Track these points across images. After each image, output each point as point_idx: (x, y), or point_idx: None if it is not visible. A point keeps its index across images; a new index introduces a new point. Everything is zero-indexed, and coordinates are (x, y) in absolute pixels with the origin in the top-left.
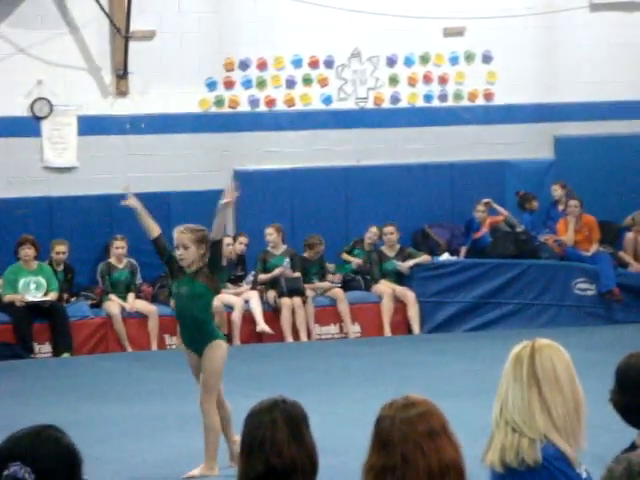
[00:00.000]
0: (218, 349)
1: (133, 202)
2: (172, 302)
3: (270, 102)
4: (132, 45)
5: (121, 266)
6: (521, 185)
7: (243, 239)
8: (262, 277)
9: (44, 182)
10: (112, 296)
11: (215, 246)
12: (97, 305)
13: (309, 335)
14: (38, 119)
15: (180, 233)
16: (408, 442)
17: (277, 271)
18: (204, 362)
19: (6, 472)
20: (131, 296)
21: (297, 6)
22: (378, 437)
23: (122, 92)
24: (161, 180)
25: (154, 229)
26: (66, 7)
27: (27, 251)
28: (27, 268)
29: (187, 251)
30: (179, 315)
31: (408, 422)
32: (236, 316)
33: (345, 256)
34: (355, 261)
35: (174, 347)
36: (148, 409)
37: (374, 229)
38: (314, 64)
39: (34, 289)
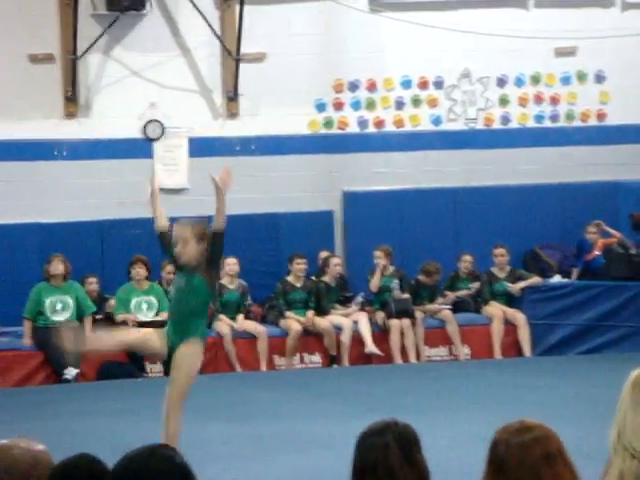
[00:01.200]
0: (198, 347)
1: (157, 185)
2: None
3: (379, 123)
4: (243, 67)
5: (232, 287)
6: (634, 207)
7: (337, 260)
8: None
9: None
10: (222, 316)
11: (216, 238)
12: (207, 325)
13: (418, 357)
14: (150, 141)
15: (180, 227)
16: (524, 467)
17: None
18: (179, 358)
19: None
20: (241, 317)
21: (407, 27)
22: (493, 461)
23: (232, 114)
24: (270, 201)
25: (164, 222)
26: (179, 31)
27: (139, 270)
28: (139, 288)
29: (186, 246)
30: (173, 307)
31: (524, 447)
32: (345, 337)
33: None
34: (463, 294)
35: (283, 368)
36: (258, 429)
37: (467, 257)
38: (424, 85)
39: (146, 309)
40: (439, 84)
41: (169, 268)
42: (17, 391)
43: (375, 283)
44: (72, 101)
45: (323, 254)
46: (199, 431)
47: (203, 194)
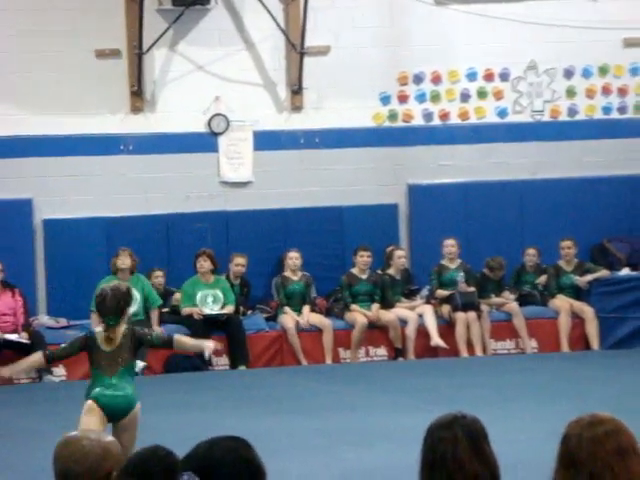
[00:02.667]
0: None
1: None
2: None
3: (444, 115)
4: (307, 60)
5: (296, 279)
6: None
7: (401, 252)
8: (439, 292)
9: (220, 197)
10: (287, 309)
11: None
12: (272, 318)
13: (484, 350)
14: (215, 135)
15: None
16: (596, 461)
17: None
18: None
19: None
20: (306, 309)
21: (472, 19)
22: (565, 455)
23: (297, 107)
24: (334, 194)
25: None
26: (243, 25)
27: (203, 263)
28: (204, 281)
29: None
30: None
31: (596, 441)
32: (410, 330)
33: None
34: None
35: (348, 361)
36: (323, 422)
37: (531, 251)
38: (489, 77)
39: (211, 302)
40: (505, 76)
41: (238, 260)
42: (84, 384)
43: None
44: (138, 96)
45: (389, 248)
46: (264, 423)
47: (268, 187)
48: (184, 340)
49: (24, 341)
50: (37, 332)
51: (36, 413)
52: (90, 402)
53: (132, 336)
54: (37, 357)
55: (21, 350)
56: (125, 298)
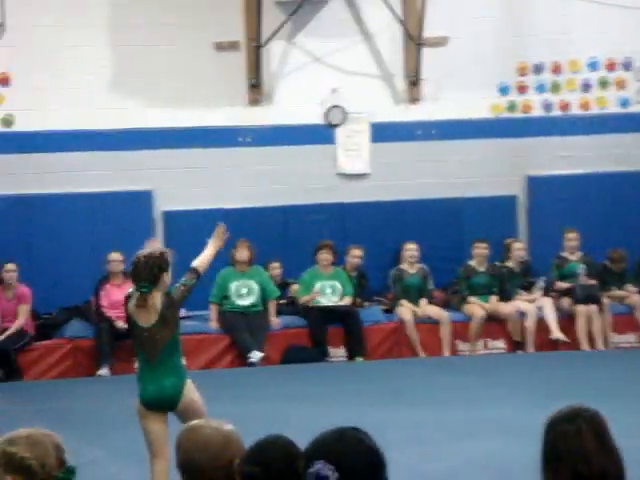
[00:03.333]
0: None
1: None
2: None
3: (564, 106)
4: (425, 51)
5: (413, 271)
6: None
7: (519, 245)
8: (559, 285)
9: (337, 188)
10: (404, 301)
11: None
12: (389, 310)
13: (605, 344)
14: (332, 127)
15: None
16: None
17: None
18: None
19: (311, 469)
20: (423, 301)
21: (593, 7)
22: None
23: (414, 99)
24: (452, 186)
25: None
26: (361, 16)
27: (326, 256)
28: (324, 272)
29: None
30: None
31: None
32: (529, 323)
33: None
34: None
35: (467, 353)
36: (440, 415)
37: None
38: (611, 66)
39: (330, 293)
40: (627, 65)
41: (355, 252)
42: (204, 374)
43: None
44: (256, 88)
45: (508, 240)
46: (381, 415)
47: (385, 179)
48: (202, 258)
49: None
50: None
51: None
52: (139, 406)
53: (169, 303)
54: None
55: None
56: (159, 263)
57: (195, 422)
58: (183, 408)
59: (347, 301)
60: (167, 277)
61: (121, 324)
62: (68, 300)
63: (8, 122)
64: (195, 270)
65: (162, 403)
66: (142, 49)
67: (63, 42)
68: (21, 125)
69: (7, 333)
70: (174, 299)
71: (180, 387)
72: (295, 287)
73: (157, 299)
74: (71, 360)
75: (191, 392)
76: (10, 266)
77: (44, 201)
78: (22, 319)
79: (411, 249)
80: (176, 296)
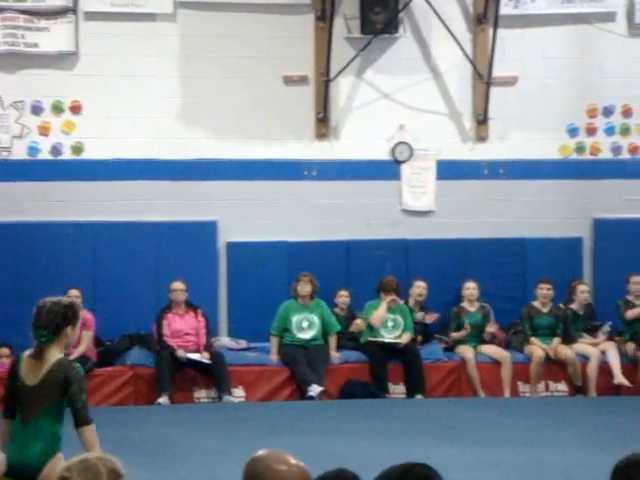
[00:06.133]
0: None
1: None
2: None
3: (634, 149)
4: (493, 90)
5: (473, 310)
6: None
7: (584, 287)
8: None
9: (402, 225)
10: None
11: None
12: (450, 349)
13: None
14: (398, 163)
15: None
16: None
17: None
18: None
19: None
20: (484, 341)
21: None
22: None
23: (482, 137)
24: (518, 226)
25: None
26: (430, 53)
27: (386, 295)
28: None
29: None
30: None
31: None
32: (592, 367)
33: None
34: None
35: (527, 395)
36: (500, 455)
37: None
38: None
39: (391, 327)
40: None
41: (419, 284)
42: (263, 405)
43: (632, 313)
44: (323, 122)
45: (573, 282)
46: (440, 453)
47: (449, 217)
48: (89, 436)
49: (205, 361)
50: (218, 353)
51: (219, 432)
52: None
53: (64, 372)
54: None
55: (202, 370)
56: (64, 312)
57: (265, 454)
58: None
59: (406, 338)
60: (72, 332)
61: (182, 353)
62: (130, 328)
63: (78, 150)
64: (83, 421)
65: (20, 468)
66: (211, 80)
67: (133, 71)
68: (91, 153)
69: (70, 359)
70: (69, 371)
71: (45, 458)
72: (358, 322)
73: (53, 356)
74: (132, 387)
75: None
76: (74, 292)
77: (109, 229)
78: (85, 345)
79: (470, 288)
80: (70, 374)
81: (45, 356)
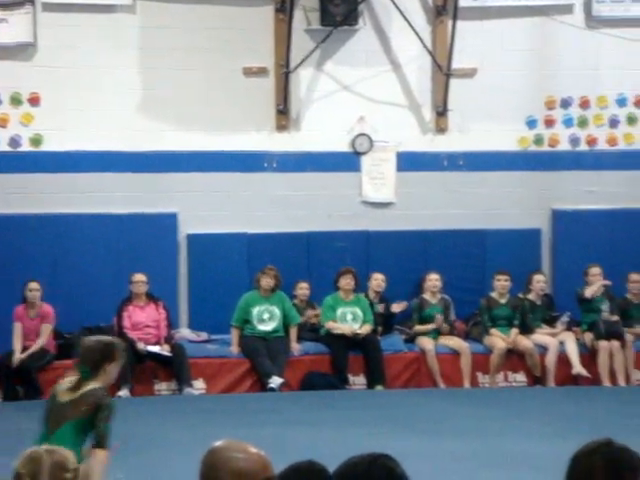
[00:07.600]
0: None
1: None
2: None
3: (592, 141)
4: (453, 82)
5: (434, 302)
6: None
7: (540, 277)
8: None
9: (362, 216)
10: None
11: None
12: (411, 340)
13: (628, 380)
14: (358, 154)
15: None
16: None
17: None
18: None
19: None
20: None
21: (624, 44)
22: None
23: (441, 129)
24: (477, 217)
25: None
26: (390, 45)
27: (349, 281)
28: (345, 299)
29: None
30: None
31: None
32: (550, 357)
33: None
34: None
35: (487, 385)
36: (459, 446)
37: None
38: (639, 103)
39: (351, 320)
40: None
41: (377, 276)
42: (224, 397)
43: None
44: (283, 114)
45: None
46: (400, 444)
47: (409, 208)
48: (99, 458)
49: (166, 353)
50: (179, 345)
51: (180, 424)
52: None
53: (99, 399)
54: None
55: (162, 362)
56: (103, 349)
57: (223, 445)
58: None
59: (366, 329)
60: (111, 369)
61: (142, 346)
62: (91, 320)
63: (37, 142)
64: (98, 445)
65: None
66: (171, 72)
67: (93, 63)
68: (49, 145)
69: (29, 351)
70: (101, 402)
71: None
72: (312, 313)
73: (89, 388)
74: None
75: None
76: (34, 285)
77: (69, 221)
78: (44, 338)
79: (433, 279)
80: (106, 407)
81: (82, 389)
